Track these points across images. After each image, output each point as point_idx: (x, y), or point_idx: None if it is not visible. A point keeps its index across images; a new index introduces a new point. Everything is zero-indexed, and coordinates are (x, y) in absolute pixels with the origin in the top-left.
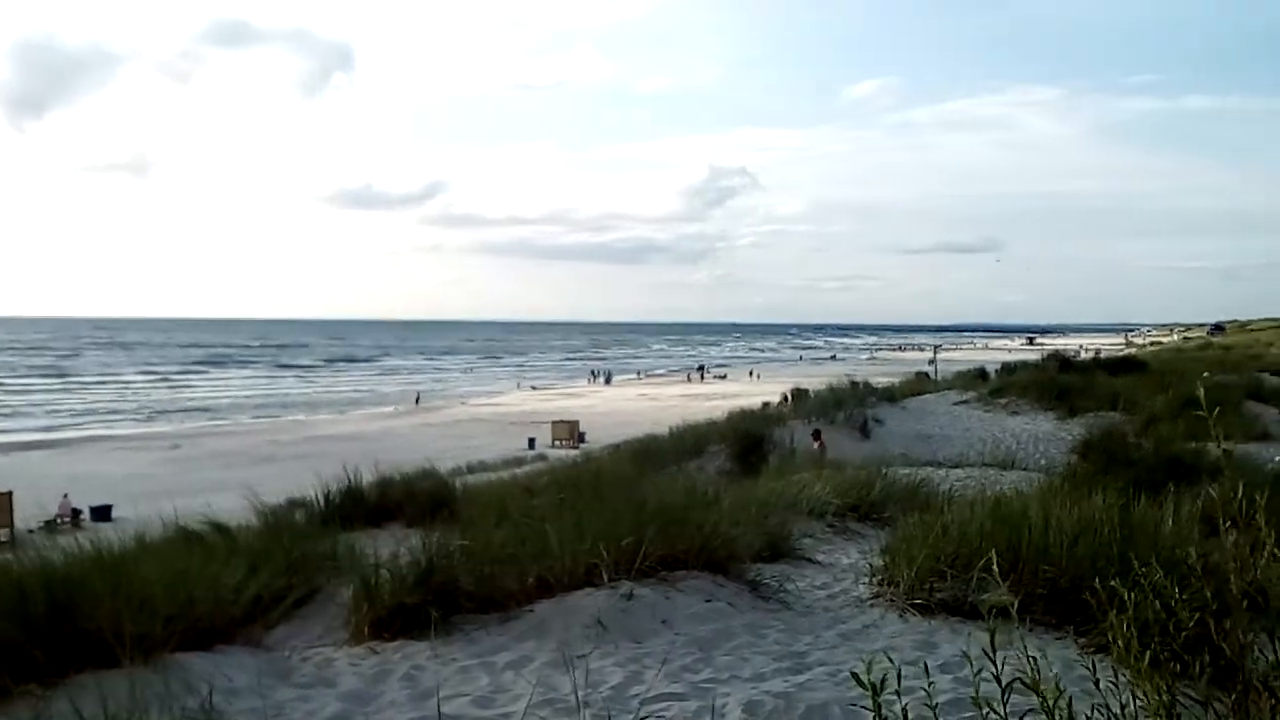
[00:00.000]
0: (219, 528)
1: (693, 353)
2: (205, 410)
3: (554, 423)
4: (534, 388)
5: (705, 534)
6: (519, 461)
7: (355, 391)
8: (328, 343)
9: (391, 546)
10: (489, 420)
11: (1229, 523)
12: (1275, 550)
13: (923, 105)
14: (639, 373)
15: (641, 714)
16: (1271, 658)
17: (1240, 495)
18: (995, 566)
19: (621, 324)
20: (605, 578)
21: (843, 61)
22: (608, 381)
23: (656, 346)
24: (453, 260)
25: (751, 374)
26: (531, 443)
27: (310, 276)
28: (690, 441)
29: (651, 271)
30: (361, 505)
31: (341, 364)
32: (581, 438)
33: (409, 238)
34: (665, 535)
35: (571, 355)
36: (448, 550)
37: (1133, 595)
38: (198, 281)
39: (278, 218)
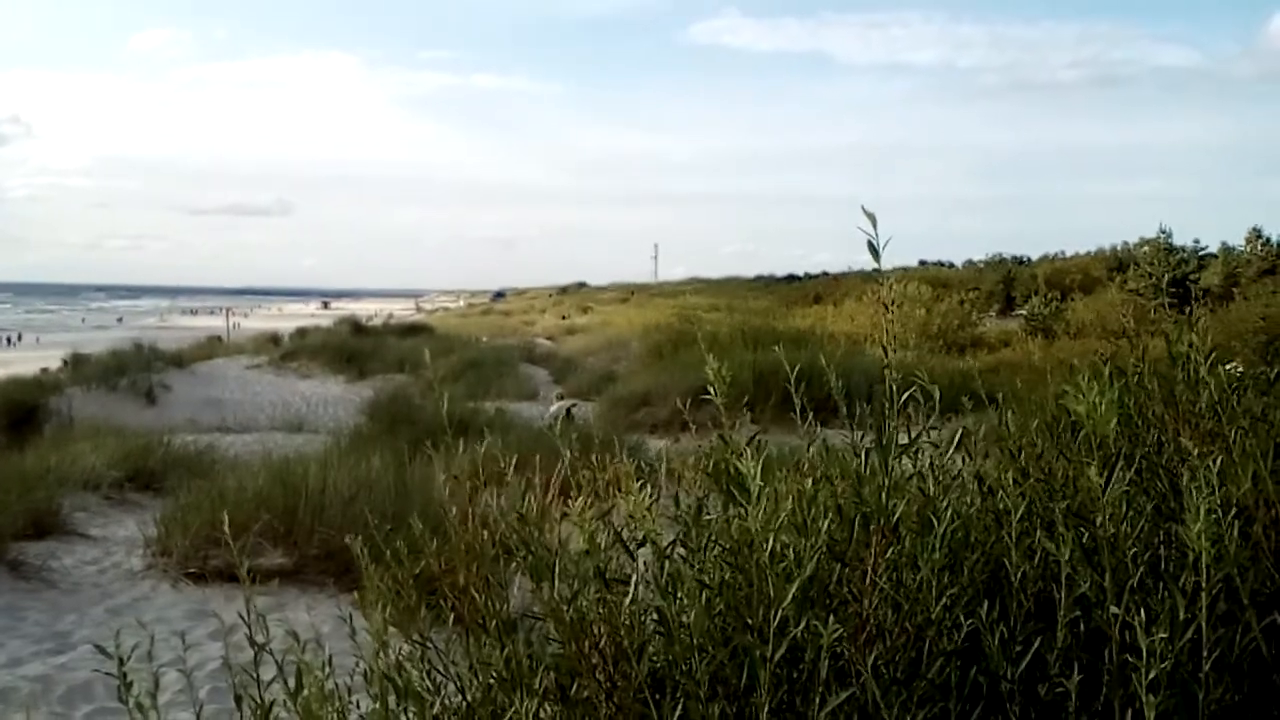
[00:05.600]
0: None
1: None
2: None
3: None
4: None
5: None
6: None
7: None
8: None
9: None
10: None
11: (469, 476)
12: (492, 501)
13: (215, 60)
14: None
15: None
16: (499, 599)
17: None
18: (225, 529)
19: None
20: None
21: (128, 6)
22: None
23: None
24: None
25: (12, 340)
26: None
27: None
28: None
29: None
30: None
31: None
32: None
33: None
34: None
35: None
36: None
37: (368, 549)
38: None
39: None
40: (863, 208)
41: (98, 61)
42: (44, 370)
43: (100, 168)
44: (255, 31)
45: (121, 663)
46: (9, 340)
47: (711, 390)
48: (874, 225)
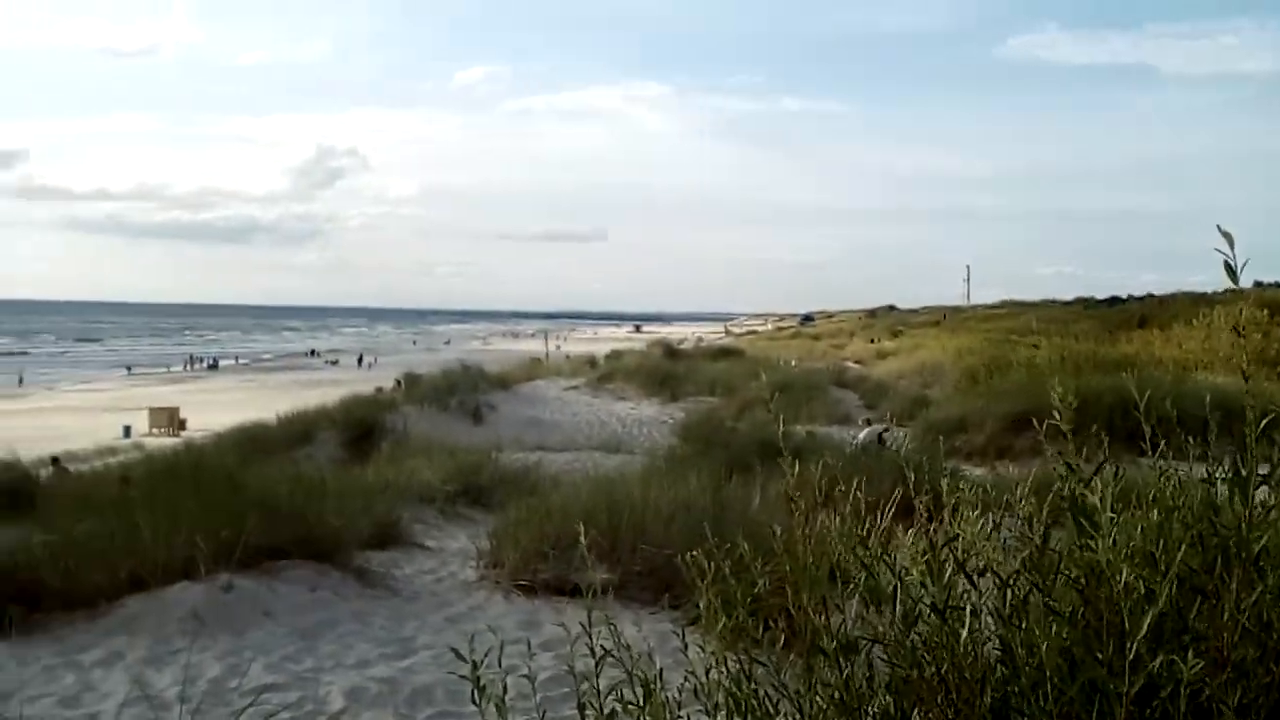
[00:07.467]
0: None
1: (303, 337)
2: None
3: (151, 409)
4: (129, 369)
5: (310, 523)
6: (113, 451)
7: None
8: None
9: None
10: (79, 407)
11: (797, 500)
12: (830, 524)
13: (534, 94)
14: (238, 358)
15: (239, 706)
16: (833, 622)
17: (816, 474)
18: (585, 547)
19: (225, 306)
20: (203, 570)
21: (451, 45)
22: (213, 367)
23: (263, 331)
24: (34, 235)
25: (361, 361)
26: (127, 431)
27: None
28: (299, 428)
29: (256, 253)
30: None
31: None
32: (182, 425)
33: None
34: (268, 525)
35: (170, 338)
36: (29, 545)
37: (713, 566)
38: None
39: None
40: (1219, 227)
41: (425, 97)
42: (379, 390)
43: (427, 197)
44: (572, 64)
45: (475, 667)
46: (359, 360)
47: (1056, 414)
48: (1230, 245)
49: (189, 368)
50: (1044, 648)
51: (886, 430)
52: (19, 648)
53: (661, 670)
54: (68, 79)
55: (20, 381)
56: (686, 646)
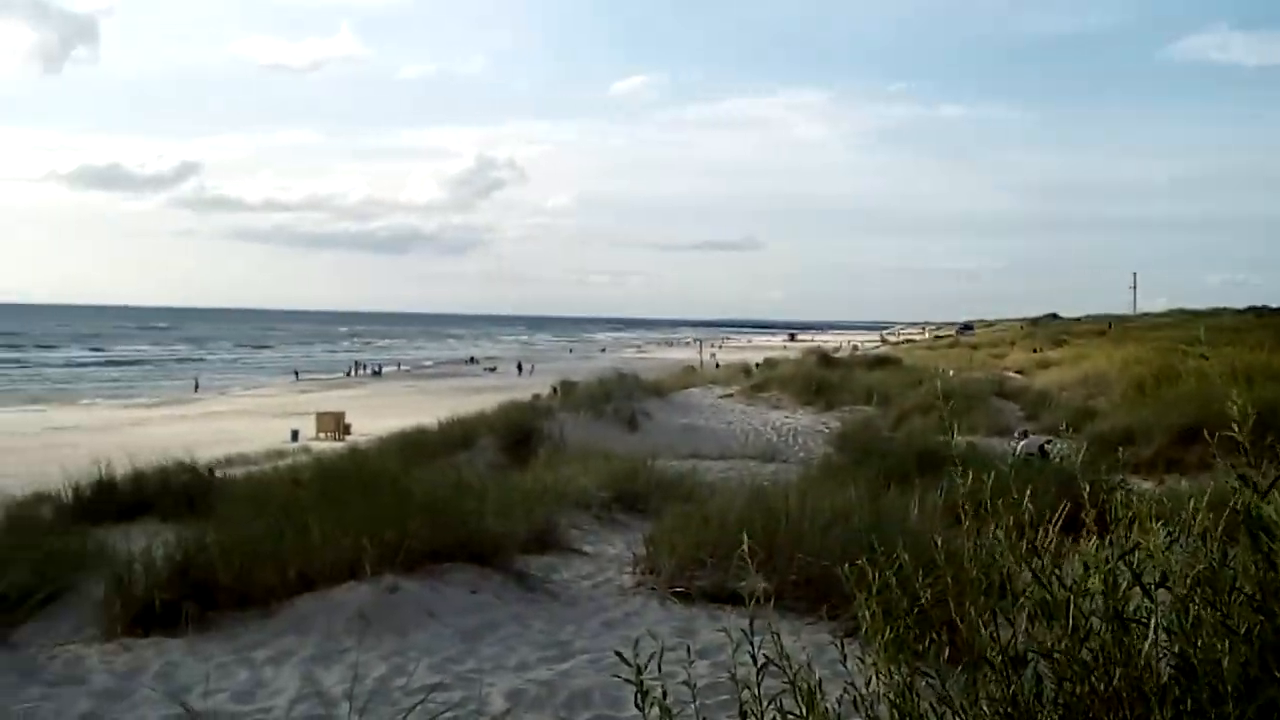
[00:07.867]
0: None
1: (465, 345)
2: None
3: (318, 414)
4: (297, 375)
5: (471, 527)
6: (281, 454)
7: (110, 380)
8: (59, 327)
9: (145, 541)
10: (250, 411)
11: (967, 511)
12: (999, 536)
13: (690, 103)
14: (400, 364)
15: (405, 705)
16: (1000, 635)
17: (985, 485)
18: (746, 553)
19: (388, 314)
20: (369, 571)
21: (610, 55)
22: (376, 373)
23: (424, 338)
24: (207, 245)
25: (520, 368)
26: (295, 434)
27: (44, 259)
28: (459, 434)
29: (418, 262)
30: (113, 499)
31: (78, 350)
32: (347, 429)
33: (159, 220)
34: (431, 528)
35: (336, 345)
36: (204, 545)
37: (878, 576)
38: None
39: (6, 196)
40: None
41: (582, 107)
42: (536, 396)
43: (583, 208)
44: (730, 72)
45: (639, 671)
46: (518, 368)
47: (1232, 426)
48: None
49: (354, 374)
50: (1224, 664)
51: (1049, 441)
52: (195, 644)
53: (820, 680)
54: (239, 94)
55: (196, 387)
56: (846, 658)
